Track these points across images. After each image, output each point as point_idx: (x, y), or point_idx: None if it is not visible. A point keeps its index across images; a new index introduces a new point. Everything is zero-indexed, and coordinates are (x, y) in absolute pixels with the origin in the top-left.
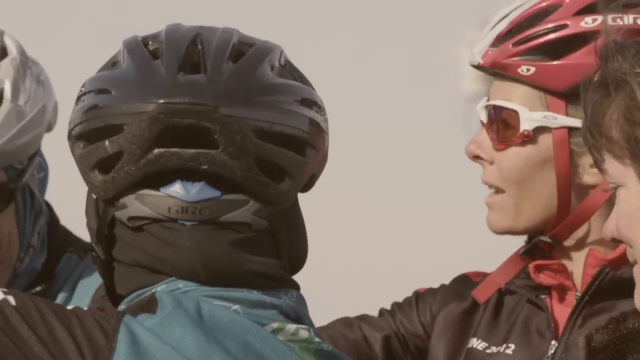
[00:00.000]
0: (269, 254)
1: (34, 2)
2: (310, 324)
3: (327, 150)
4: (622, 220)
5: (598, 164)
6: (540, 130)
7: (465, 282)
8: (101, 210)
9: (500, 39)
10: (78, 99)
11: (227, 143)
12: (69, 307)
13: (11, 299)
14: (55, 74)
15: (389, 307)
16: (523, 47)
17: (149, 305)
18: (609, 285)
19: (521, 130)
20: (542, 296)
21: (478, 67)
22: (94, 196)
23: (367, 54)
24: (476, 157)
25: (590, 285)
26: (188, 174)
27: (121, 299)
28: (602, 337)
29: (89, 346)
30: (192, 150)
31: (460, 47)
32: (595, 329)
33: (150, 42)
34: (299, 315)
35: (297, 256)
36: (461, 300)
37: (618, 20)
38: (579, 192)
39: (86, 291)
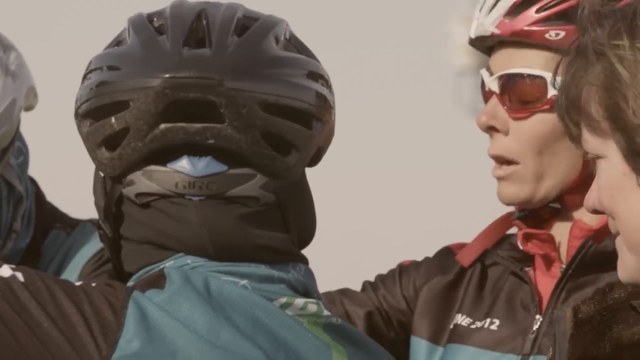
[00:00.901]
0: (276, 228)
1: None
2: (318, 297)
3: (334, 124)
4: (603, 191)
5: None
6: None
7: (448, 255)
8: (109, 187)
9: (518, 8)
10: (84, 77)
11: (233, 117)
12: (77, 283)
13: (19, 275)
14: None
15: (372, 280)
16: (547, 12)
17: (157, 281)
18: (592, 258)
19: (549, 96)
20: (526, 269)
21: (487, 37)
22: (101, 174)
23: (359, 31)
24: (490, 129)
25: (573, 258)
26: (195, 149)
27: (129, 277)
28: (588, 308)
29: (98, 322)
30: (198, 125)
31: (452, 22)
32: (582, 300)
33: (155, 19)
34: (307, 289)
35: (305, 230)
36: (445, 273)
37: None
38: None
39: (74, 267)
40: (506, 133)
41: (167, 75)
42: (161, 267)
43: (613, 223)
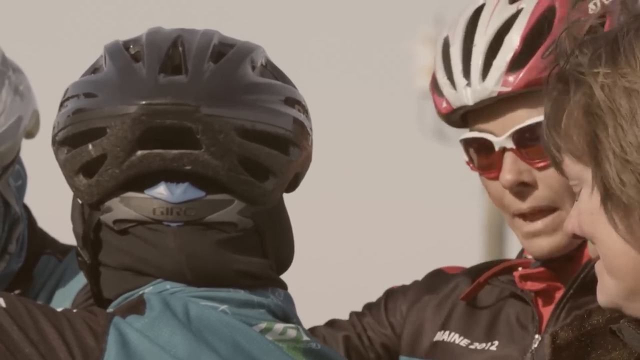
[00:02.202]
0: (255, 253)
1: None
2: (298, 322)
3: (311, 149)
4: (584, 217)
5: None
6: None
7: (439, 276)
8: (87, 214)
9: (519, 60)
10: (61, 104)
11: (209, 143)
12: (58, 309)
13: (1, 301)
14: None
15: (359, 310)
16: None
17: (137, 307)
18: (593, 279)
19: None
20: (527, 290)
21: (492, 99)
22: (80, 201)
23: (320, 52)
24: (519, 185)
25: (574, 279)
26: (172, 175)
27: (108, 304)
28: (566, 334)
29: (79, 348)
30: (175, 151)
31: (414, 43)
32: (560, 326)
33: (131, 46)
34: (286, 314)
35: (283, 255)
36: (433, 293)
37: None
38: None
39: (67, 294)
40: (535, 184)
41: (143, 102)
42: (140, 293)
43: (593, 248)
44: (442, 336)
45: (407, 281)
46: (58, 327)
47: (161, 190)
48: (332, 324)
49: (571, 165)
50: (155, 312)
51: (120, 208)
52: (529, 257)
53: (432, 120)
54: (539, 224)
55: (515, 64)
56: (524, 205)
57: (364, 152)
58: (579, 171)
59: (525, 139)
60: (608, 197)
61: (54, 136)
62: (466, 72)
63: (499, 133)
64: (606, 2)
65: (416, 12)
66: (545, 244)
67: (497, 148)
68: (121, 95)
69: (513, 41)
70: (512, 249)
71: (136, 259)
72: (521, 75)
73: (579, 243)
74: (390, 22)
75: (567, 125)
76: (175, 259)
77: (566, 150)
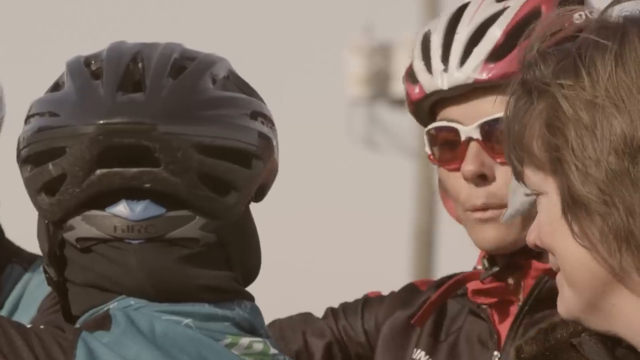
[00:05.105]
0: (219, 266)
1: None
2: (266, 335)
3: (276, 160)
4: (544, 228)
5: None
6: None
7: (412, 291)
8: (51, 232)
9: (500, 51)
10: (25, 120)
11: (168, 160)
12: (27, 325)
13: None
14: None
15: (336, 306)
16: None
17: (103, 323)
18: (548, 293)
19: None
20: (484, 306)
21: (466, 85)
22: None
23: (250, 61)
24: (479, 177)
25: (529, 295)
26: (132, 193)
27: (77, 320)
28: (530, 348)
29: None
30: (134, 170)
31: (345, 51)
32: (525, 340)
33: (92, 62)
34: (253, 326)
35: (250, 266)
36: (406, 309)
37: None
38: None
39: (32, 302)
40: (493, 179)
41: (100, 122)
42: (106, 309)
43: (553, 259)
44: (414, 355)
45: (331, 286)
46: (27, 340)
47: (121, 208)
48: (310, 325)
49: (531, 175)
50: (121, 328)
51: (82, 226)
52: (479, 267)
53: (362, 128)
54: (488, 213)
55: (495, 54)
56: (478, 201)
57: (292, 158)
58: (539, 181)
59: (493, 131)
60: (569, 207)
61: (18, 152)
62: (445, 58)
63: (467, 123)
64: (590, 16)
65: (346, 21)
66: (491, 234)
67: (463, 137)
68: (80, 114)
69: (495, 34)
70: (441, 257)
71: (99, 276)
72: (500, 65)
73: (523, 244)
74: (320, 30)
75: (529, 136)
76: (137, 276)
77: (527, 160)
